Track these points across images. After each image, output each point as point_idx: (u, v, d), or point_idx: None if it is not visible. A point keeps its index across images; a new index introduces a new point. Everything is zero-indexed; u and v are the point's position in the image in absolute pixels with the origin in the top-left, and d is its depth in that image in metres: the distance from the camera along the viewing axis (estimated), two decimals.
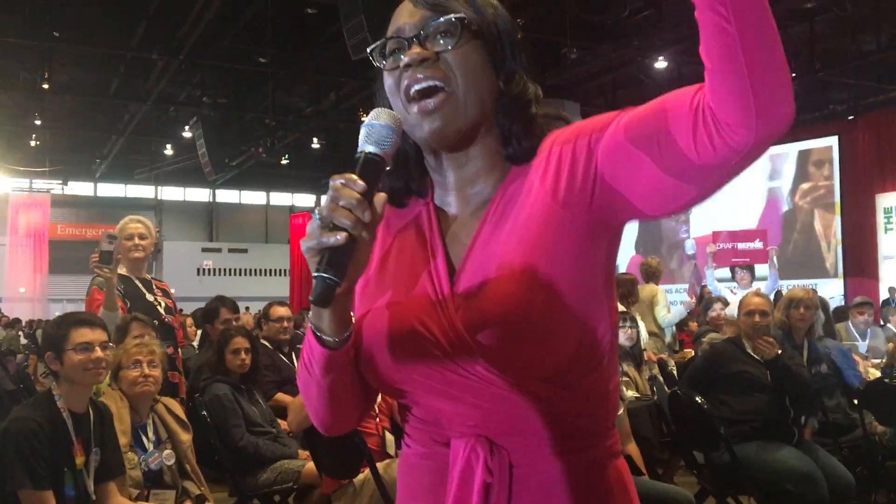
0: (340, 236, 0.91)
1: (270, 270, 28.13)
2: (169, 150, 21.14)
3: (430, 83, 1.04)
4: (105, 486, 2.84)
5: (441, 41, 1.05)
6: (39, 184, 24.14)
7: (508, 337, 0.97)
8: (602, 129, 1.00)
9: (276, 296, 19.11)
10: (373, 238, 0.95)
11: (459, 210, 1.11)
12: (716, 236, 8.54)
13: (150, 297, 4.08)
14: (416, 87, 1.05)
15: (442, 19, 1.05)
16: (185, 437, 3.43)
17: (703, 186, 0.93)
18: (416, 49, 1.05)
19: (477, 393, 1.01)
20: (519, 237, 1.01)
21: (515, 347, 0.97)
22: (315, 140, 19.54)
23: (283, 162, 21.37)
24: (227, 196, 29.60)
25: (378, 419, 3.53)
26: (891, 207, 12.57)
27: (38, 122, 17.78)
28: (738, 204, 13.69)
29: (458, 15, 1.05)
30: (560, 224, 1.00)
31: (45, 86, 13.77)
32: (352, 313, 1.08)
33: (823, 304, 5.39)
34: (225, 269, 27.95)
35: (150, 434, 3.32)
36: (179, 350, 4.45)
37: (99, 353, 2.81)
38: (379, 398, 3.58)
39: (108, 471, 2.85)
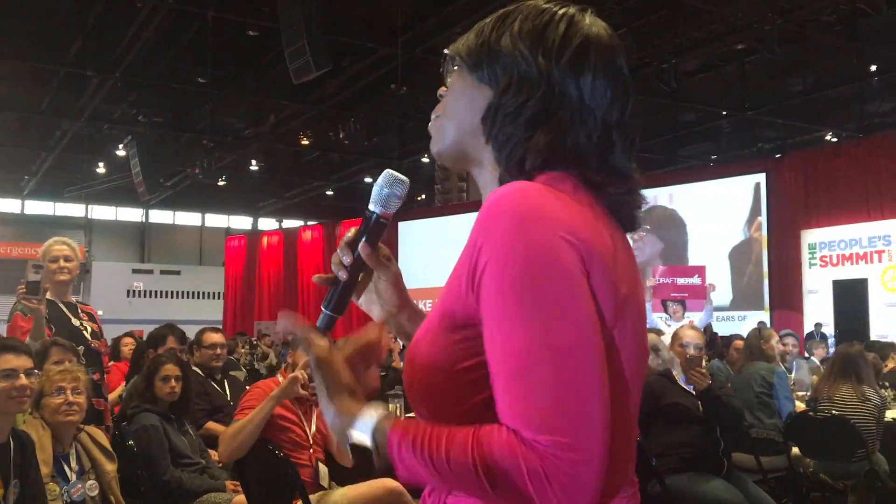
0: (324, 277, 1.17)
1: (204, 293, 27.59)
2: (101, 169, 20.68)
3: (434, 115, 1.14)
4: None
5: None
6: None
7: (408, 388, 1.04)
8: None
9: (210, 319, 18.76)
10: (356, 277, 1.16)
11: None
12: (655, 270, 8.72)
13: (75, 322, 3.95)
14: None
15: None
16: (110, 468, 3.32)
17: None
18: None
19: None
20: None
21: (415, 397, 1.03)
22: (253, 162, 19.38)
23: (220, 183, 21.07)
24: (160, 216, 29.03)
25: (312, 450, 3.47)
26: (815, 244, 13.01)
27: None
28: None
29: (447, 52, 1.13)
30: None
31: None
32: None
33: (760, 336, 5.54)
34: (156, 292, 27.33)
35: (73, 464, 3.20)
36: (105, 376, 4.32)
37: (23, 380, 2.71)
38: (313, 428, 3.53)
39: (29, 503, 2.74)
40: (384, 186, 1.13)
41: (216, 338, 4.94)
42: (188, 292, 27.72)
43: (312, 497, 3.23)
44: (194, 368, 4.79)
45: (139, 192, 16.20)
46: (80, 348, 3.85)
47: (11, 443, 2.74)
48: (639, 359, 1.00)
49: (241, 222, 29.83)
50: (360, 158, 18.98)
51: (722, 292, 13.23)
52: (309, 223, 25.07)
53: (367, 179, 20.59)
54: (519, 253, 0.88)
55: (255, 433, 3.24)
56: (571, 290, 0.87)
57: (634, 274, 1.00)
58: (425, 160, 17.38)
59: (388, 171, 1.14)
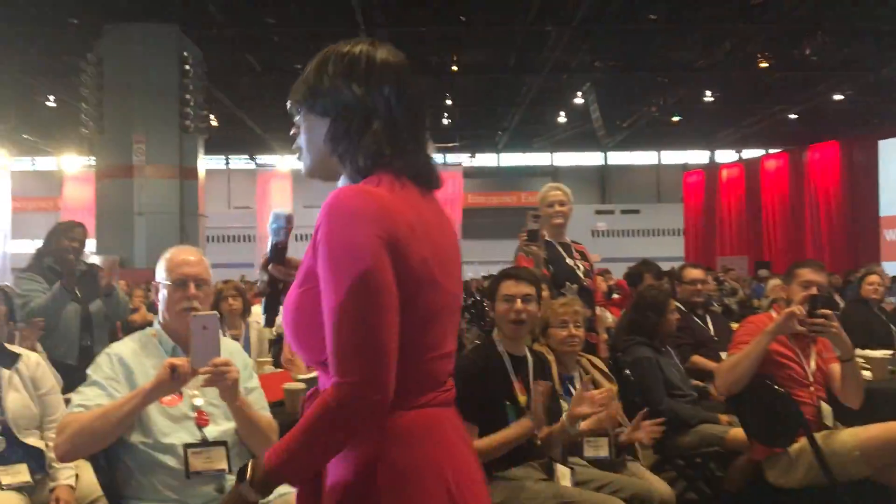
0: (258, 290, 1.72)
1: (663, 230, 27.82)
2: (562, 118, 21.89)
3: (294, 145, 1.56)
4: None
5: None
6: (452, 158, 26.64)
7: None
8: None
9: (670, 256, 18.92)
10: (276, 287, 1.60)
11: None
12: None
13: (569, 261, 4.25)
14: None
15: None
16: (611, 387, 3.55)
17: None
18: None
19: None
20: None
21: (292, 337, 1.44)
22: (707, 93, 18.78)
23: (674, 119, 20.89)
24: (617, 158, 29.90)
25: (812, 388, 3.30)
26: None
27: (448, 102, 19.49)
28: None
29: (288, 103, 1.51)
30: None
31: (454, 68, 15.02)
32: None
33: None
34: (617, 231, 28.30)
35: (577, 385, 3.50)
36: (596, 310, 4.60)
37: (519, 304, 3.03)
38: (813, 366, 3.35)
39: (549, 414, 3.06)
40: (272, 224, 1.58)
41: (696, 273, 4.96)
42: (648, 230, 28.21)
43: (817, 435, 3.08)
44: (676, 303, 4.88)
45: (599, 136, 16.86)
46: (574, 286, 4.15)
47: (529, 357, 3.11)
48: (446, 290, 1.38)
49: (698, 157, 29.30)
50: (828, 74, 17.19)
51: None
52: (771, 151, 23.63)
53: (837, 97, 18.61)
54: (334, 244, 1.29)
55: (751, 368, 3.19)
56: (365, 268, 1.26)
57: (437, 233, 1.39)
58: None
59: (272, 213, 1.57)
